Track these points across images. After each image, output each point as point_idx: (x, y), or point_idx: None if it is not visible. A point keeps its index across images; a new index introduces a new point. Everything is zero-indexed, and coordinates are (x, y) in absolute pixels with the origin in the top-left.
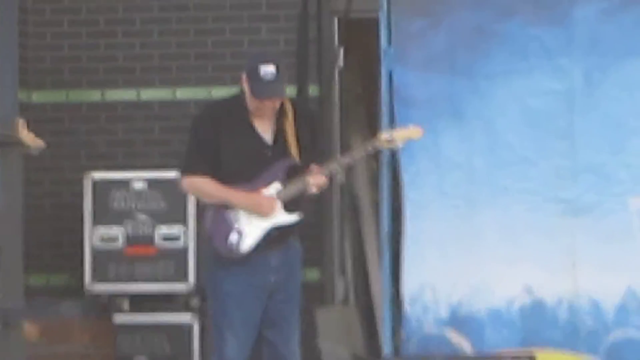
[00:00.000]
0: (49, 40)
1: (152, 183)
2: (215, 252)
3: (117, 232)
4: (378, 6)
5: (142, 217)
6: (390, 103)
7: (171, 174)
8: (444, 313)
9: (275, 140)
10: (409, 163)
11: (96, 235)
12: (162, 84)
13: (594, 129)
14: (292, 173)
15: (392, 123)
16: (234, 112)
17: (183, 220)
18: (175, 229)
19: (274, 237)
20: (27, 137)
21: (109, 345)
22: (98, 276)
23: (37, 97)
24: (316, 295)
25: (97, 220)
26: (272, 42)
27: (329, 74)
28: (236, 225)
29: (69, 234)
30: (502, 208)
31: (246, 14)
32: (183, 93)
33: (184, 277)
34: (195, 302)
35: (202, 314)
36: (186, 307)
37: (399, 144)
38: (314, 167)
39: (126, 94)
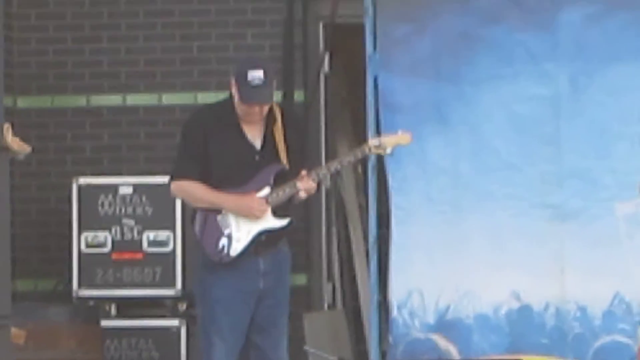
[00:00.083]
0: (34, 46)
1: (138, 188)
2: (205, 257)
3: (104, 238)
4: (363, 12)
5: (129, 222)
6: (376, 108)
7: (158, 179)
8: (431, 318)
9: (264, 145)
10: (395, 169)
11: (83, 241)
12: (147, 89)
13: (579, 134)
14: (281, 178)
15: (377, 129)
16: (223, 117)
17: (170, 226)
18: (162, 234)
19: (263, 242)
20: (13, 141)
21: (96, 350)
22: (85, 281)
23: (22, 102)
24: (303, 301)
25: (84, 225)
26: (257, 48)
27: (315, 80)
28: (226, 230)
29: (56, 239)
30: (489, 213)
31: (232, 20)
32: (168, 98)
33: (171, 282)
34: (182, 307)
35: (189, 319)
36: (173, 312)
37: (388, 150)
38: (303, 172)
39: (111, 99)
